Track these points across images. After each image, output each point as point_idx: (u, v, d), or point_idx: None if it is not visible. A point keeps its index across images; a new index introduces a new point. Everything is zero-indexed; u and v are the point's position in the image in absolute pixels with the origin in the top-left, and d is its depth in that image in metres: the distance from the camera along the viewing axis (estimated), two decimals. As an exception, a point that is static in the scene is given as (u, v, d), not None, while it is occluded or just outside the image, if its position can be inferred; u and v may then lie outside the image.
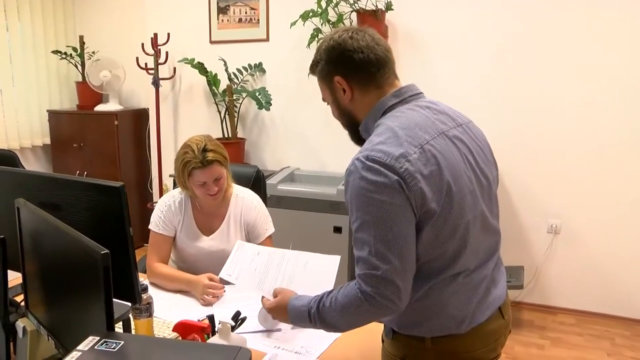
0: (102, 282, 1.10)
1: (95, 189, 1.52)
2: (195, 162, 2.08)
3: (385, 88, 1.35)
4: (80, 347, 1.03)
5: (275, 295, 1.48)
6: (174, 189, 2.36)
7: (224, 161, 2.14)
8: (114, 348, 1.03)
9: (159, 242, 2.22)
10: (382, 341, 1.46)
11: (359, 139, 1.43)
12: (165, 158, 4.63)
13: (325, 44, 1.36)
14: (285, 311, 1.41)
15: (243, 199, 2.27)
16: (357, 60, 1.31)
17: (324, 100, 1.43)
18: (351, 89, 1.35)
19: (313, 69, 1.40)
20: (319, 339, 1.71)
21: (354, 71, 1.33)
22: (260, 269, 1.71)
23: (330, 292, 1.32)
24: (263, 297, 1.53)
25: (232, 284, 1.75)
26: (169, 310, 1.92)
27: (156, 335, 1.70)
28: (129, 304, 1.57)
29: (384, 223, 1.19)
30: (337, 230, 3.46)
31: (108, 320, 1.11)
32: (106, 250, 1.11)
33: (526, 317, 3.65)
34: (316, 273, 1.64)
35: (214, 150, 2.10)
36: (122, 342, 1.05)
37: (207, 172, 2.09)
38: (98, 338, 1.06)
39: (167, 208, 2.24)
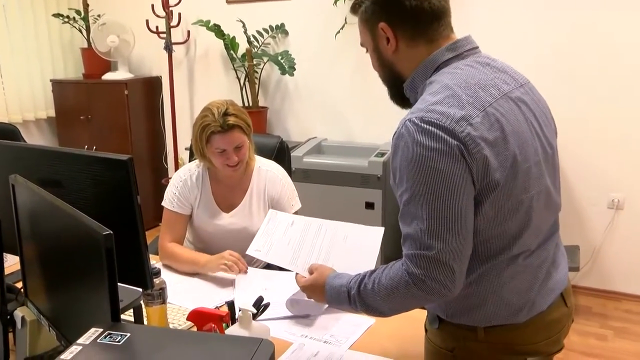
0: (105, 266, 1.07)
1: (100, 163, 1.50)
2: (214, 125, 2.07)
3: (439, 41, 1.29)
4: (80, 340, 1.01)
5: (311, 272, 1.48)
6: (190, 162, 2.35)
7: (246, 128, 2.13)
8: (118, 341, 1.01)
9: (173, 220, 2.23)
10: (426, 330, 1.45)
11: (401, 99, 1.38)
12: (180, 129, 4.62)
13: None
14: (322, 290, 1.40)
15: (267, 171, 2.27)
16: (408, 7, 1.25)
17: (362, 45, 1.38)
18: (396, 39, 1.29)
19: (355, 8, 1.35)
20: (351, 326, 1.71)
21: (403, 20, 1.27)
22: (294, 241, 1.70)
23: (373, 272, 1.31)
24: (297, 274, 1.53)
25: (257, 263, 1.73)
26: (184, 295, 1.92)
27: (170, 324, 1.70)
28: (140, 289, 1.57)
29: (440, 195, 1.16)
30: (370, 206, 3.46)
31: (113, 309, 1.08)
32: (109, 231, 1.08)
33: (583, 303, 3.56)
34: (357, 247, 1.63)
35: (236, 115, 2.10)
36: (128, 335, 1.03)
37: (227, 138, 2.08)
38: (101, 330, 1.04)
39: (182, 183, 2.24)
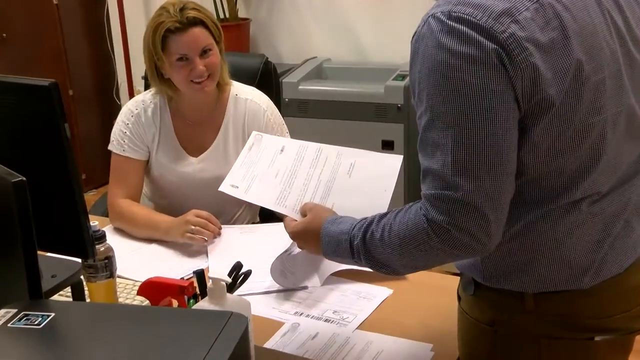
0: (18, 227, 1.07)
1: (13, 92, 1.48)
2: (170, 22, 2.08)
3: None
4: (-15, 324, 1.03)
5: (303, 214, 1.51)
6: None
7: (213, 28, 2.15)
8: (38, 324, 1.02)
9: (124, 169, 2.24)
10: (459, 299, 1.47)
11: None
12: (135, 53, 4.55)
13: None
14: (316, 238, 1.42)
15: (246, 101, 2.29)
16: None
17: None
18: None
19: None
20: (360, 299, 1.73)
21: None
22: (283, 174, 1.70)
23: (383, 216, 1.32)
24: (286, 217, 1.55)
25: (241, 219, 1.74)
26: (141, 268, 1.92)
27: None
28: (79, 260, 1.59)
29: (470, 118, 1.16)
30: (388, 145, 3.46)
31: (31, 283, 1.09)
32: (20, 177, 1.08)
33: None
34: (366, 183, 1.64)
35: (197, 9, 2.13)
36: (52, 315, 1.04)
37: (188, 37, 2.09)
38: (14, 311, 1.05)
39: (134, 119, 2.25)
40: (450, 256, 1.25)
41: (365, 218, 1.35)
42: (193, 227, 2.02)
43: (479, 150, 1.17)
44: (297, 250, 1.65)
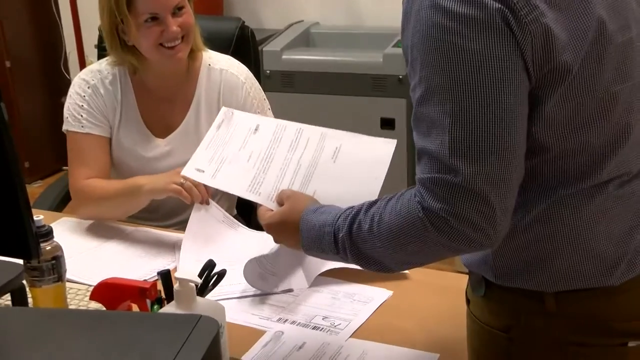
0: None
1: None
2: None
3: None
4: None
5: (280, 203, 1.53)
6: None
7: None
8: None
9: (86, 147, 2.23)
10: (468, 302, 1.47)
11: None
12: (86, 17, 4.52)
13: None
14: (295, 230, 1.43)
15: (221, 72, 2.30)
16: None
17: None
18: None
19: None
20: (355, 303, 1.74)
21: None
22: (257, 157, 1.71)
23: (373, 204, 1.32)
24: (260, 206, 1.57)
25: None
26: (96, 270, 1.92)
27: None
28: (21, 261, 1.60)
29: (472, 90, 1.17)
30: (387, 123, 3.49)
31: None
32: None
33: None
34: (353, 168, 1.65)
35: None
36: None
37: None
38: None
39: (91, 90, 2.25)
40: (449, 250, 1.24)
41: (353, 207, 1.35)
42: (184, 181, 1.99)
43: (481, 127, 1.17)
44: (277, 247, 1.65)
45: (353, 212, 1.33)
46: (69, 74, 4.88)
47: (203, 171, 1.73)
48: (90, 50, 4.53)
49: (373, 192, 1.56)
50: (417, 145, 1.23)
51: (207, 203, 2.04)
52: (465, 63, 1.16)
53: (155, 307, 1.53)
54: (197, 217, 2.01)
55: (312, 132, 1.73)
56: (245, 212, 2.41)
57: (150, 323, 1.06)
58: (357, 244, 1.31)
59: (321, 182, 1.62)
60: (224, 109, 1.92)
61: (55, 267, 1.61)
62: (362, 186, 1.58)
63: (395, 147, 1.69)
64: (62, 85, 4.85)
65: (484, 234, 1.20)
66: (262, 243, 1.81)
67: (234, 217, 2.26)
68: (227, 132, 1.81)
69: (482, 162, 1.17)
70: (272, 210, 1.52)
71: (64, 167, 4.16)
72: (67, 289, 1.72)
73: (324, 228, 1.37)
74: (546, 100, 1.21)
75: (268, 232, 1.52)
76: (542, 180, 1.27)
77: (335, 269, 1.79)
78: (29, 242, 1.44)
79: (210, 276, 1.61)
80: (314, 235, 1.39)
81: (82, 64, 4.54)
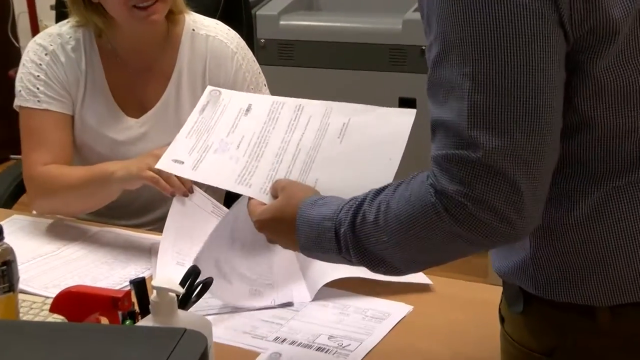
0: None
1: None
2: None
3: None
4: None
5: (275, 195, 1.54)
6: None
7: None
8: None
9: (44, 127, 2.24)
10: (502, 320, 1.47)
11: None
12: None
13: None
14: (291, 226, 1.43)
15: (207, 38, 2.32)
16: None
17: None
18: None
19: None
20: (367, 320, 1.74)
21: None
22: (249, 142, 1.70)
23: (380, 191, 1.33)
24: (250, 199, 1.58)
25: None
26: (55, 279, 1.95)
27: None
28: None
29: (496, 48, 1.17)
30: (407, 103, 3.47)
31: None
32: None
33: None
34: (363, 149, 1.64)
35: None
36: None
37: None
38: None
39: (50, 58, 2.26)
40: (467, 243, 1.24)
41: (356, 197, 1.35)
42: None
43: (507, 94, 1.17)
44: (261, 238, 1.62)
45: (357, 202, 1.34)
46: (17, 41, 4.91)
47: (182, 162, 1.71)
48: (45, 13, 4.57)
49: (386, 177, 1.54)
50: (432, 116, 1.25)
51: (189, 193, 2.01)
52: (488, 16, 1.16)
53: (128, 322, 1.54)
54: (179, 209, 2.01)
55: (314, 108, 1.72)
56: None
57: (125, 337, 1.06)
58: (361, 240, 1.32)
59: (324, 168, 1.61)
60: (209, 89, 1.89)
61: (5, 275, 1.61)
62: (372, 171, 1.57)
63: (417, 133, 1.67)
64: (10, 53, 4.92)
65: (508, 223, 1.20)
66: None
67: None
68: (212, 115, 1.79)
69: (507, 135, 1.17)
70: (265, 205, 1.53)
71: (15, 155, 4.17)
72: (20, 301, 1.71)
73: (324, 223, 1.37)
74: (592, 66, 1.22)
75: (260, 230, 1.52)
76: (591, 166, 1.28)
77: (343, 279, 1.79)
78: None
79: (194, 285, 1.60)
80: (313, 233, 1.39)
81: (35, 30, 4.58)
